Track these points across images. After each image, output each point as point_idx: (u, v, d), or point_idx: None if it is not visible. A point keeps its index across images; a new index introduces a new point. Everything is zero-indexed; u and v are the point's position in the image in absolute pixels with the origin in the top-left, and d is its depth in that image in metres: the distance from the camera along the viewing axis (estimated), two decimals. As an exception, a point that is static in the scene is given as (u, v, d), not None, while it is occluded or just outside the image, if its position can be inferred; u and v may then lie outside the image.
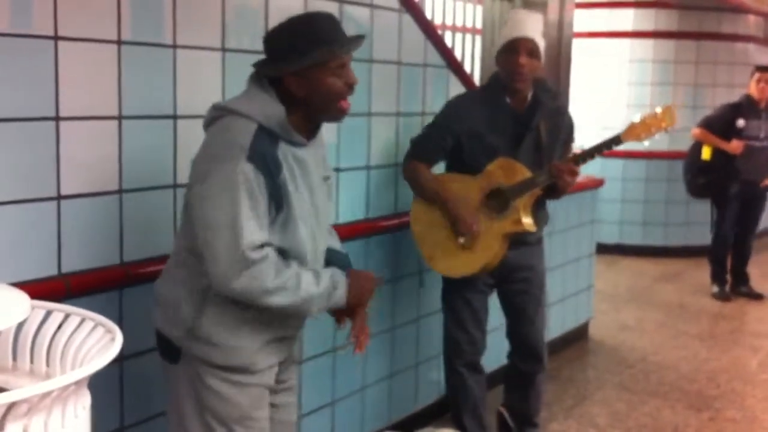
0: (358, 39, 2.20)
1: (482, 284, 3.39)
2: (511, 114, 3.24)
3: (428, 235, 3.35)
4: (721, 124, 6.39)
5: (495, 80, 3.30)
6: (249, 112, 2.07)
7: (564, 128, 3.35)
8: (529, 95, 3.25)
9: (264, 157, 2.03)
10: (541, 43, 3.19)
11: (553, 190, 3.21)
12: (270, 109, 2.09)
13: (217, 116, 2.13)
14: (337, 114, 2.19)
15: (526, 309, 3.44)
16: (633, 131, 3.12)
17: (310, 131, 2.19)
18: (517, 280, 3.40)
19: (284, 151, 2.10)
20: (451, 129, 3.27)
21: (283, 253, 2.12)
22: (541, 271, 3.47)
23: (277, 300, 2.07)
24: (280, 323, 2.22)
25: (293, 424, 2.46)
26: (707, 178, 6.44)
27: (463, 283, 3.36)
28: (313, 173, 2.19)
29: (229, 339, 2.13)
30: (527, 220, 3.18)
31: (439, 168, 3.43)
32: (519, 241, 3.28)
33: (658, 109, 3.13)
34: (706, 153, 6.41)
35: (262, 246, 2.04)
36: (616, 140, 3.13)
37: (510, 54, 3.16)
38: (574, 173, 3.11)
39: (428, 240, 3.36)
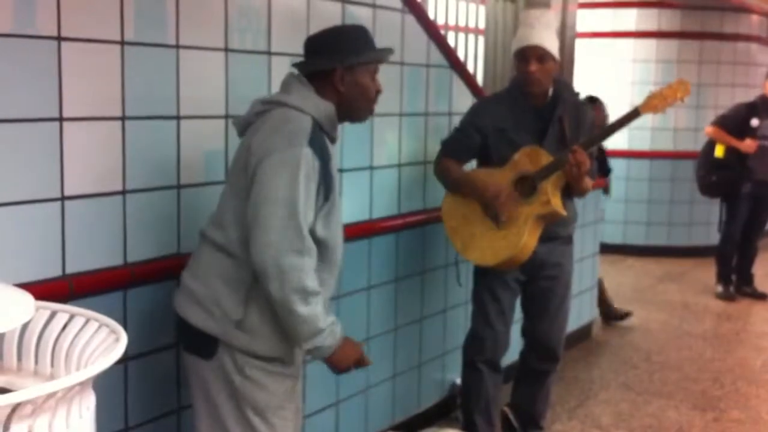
0: (392, 50, 2.43)
1: (512, 280, 3.41)
2: (532, 110, 3.32)
3: (463, 228, 3.40)
4: (735, 123, 6.38)
5: (515, 81, 3.40)
6: (302, 106, 2.21)
7: (587, 120, 3.40)
8: (550, 91, 3.32)
9: (321, 147, 2.18)
10: (554, 44, 3.25)
11: (572, 185, 3.22)
12: (322, 105, 2.24)
13: (266, 109, 2.24)
14: (367, 114, 2.39)
15: (548, 307, 3.47)
16: (650, 103, 3.19)
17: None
18: (545, 277, 3.43)
19: (327, 146, 2.25)
20: (477, 127, 3.35)
21: (325, 246, 2.22)
22: (568, 270, 3.51)
23: (297, 304, 2.10)
24: None
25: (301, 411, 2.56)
26: (719, 175, 6.42)
27: (493, 278, 3.39)
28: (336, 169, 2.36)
29: (274, 330, 2.20)
30: (556, 200, 3.21)
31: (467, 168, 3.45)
32: (551, 235, 3.32)
33: (672, 83, 3.21)
34: (719, 151, 6.40)
35: (309, 233, 2.13)
36: (635, 113, 3.19)
37: (520, 62, 3.27)
38: (582, 163, 3.11)
39: (462, 232, 3.40)
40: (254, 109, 2.27)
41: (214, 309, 2.20)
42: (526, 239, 3.23)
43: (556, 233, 3.35)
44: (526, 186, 3.24)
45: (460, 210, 3.40)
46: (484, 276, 3.44)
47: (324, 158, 2.18)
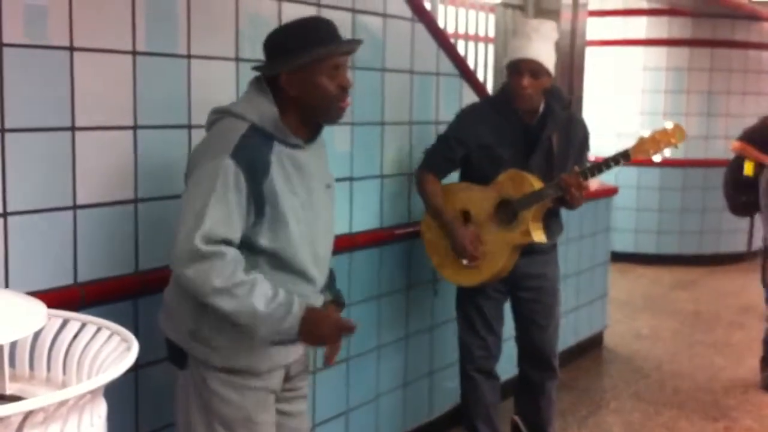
0: (353, 42, 2.28)
1: (493, 291, 3.38)
2: (521, 125, 3.22)
3: (439, 243, 3.35)
4: (762, 136, 6.13)
5: (505, 91, 3.28)
6: (244, 113, 2.13)
7: (577, 137, 3.32)
8: (541, 106, 3.22)
9: (250, 157, 2.06)
10: (551, 57, 3.15)
11: (565, 202, 3.18)
12: (264, 109, 2.13)
13: (216, 119, 2.19)
14: (335, 113, 2.21)
15: (536, 317, 3.42)
16: (642, 147, 3.09)
17: (308, 133, 2.22)
18: (528, 288, 3.39)
19: (279, 152, 2.12)
20: (461, 140, 3.27)
21: (275, 256, 2.13)
22: (553, 278, 3.45)
23: (221, 303, 2.03)
24: None
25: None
26: (749, 195, 6.14)
27: (475, 289, 3.35)
28: (314, 177, 2.22)
29: (227, 341, 2.14)
30: (536, 233, 3.17)
31: (453, 176, 3.43)
32: (531, 249, 3.27)
33: (668, 125, 3.10)
34: (748, 168, 6.03)
35: (223, 242, 2.03)
36: (626, 155, 3.09)
37: (513, 74, 3.16)
38: (582, 187, 3.06)
39: (439, 248, 3.36)
40: (209, 118, 2.22)
41: (175, 318, 2.20)
42: (503, 265, 3.20)
43: (536, 247, 3.27)
44: (508, 211, 3.18)
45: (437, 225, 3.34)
46: (465, 288, 3.38)
47: (254, 171, 2.05)
